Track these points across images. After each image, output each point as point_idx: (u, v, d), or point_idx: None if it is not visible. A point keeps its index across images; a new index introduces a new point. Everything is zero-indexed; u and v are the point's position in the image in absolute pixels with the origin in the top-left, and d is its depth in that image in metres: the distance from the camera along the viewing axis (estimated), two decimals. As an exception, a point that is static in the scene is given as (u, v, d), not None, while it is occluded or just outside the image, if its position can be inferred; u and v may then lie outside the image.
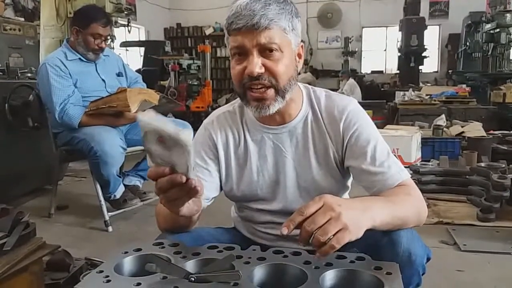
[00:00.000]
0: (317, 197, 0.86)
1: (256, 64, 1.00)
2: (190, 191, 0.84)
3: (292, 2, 1.07)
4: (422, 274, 1.00)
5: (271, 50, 1.01)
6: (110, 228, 2.62)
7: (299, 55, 1.10)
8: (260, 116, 1.08)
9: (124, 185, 2.83)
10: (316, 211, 0.83)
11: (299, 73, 1.15)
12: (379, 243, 0.98)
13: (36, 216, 2.76)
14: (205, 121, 1.24)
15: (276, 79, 1.03)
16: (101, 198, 2.65)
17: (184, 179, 0.82)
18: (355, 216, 0.84)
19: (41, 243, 1.49)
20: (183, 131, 0.81)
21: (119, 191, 2.74)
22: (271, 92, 1.04)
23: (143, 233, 2.57)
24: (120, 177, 2.76)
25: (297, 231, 1.15)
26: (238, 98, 1.23)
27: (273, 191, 1.17)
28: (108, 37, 2.79)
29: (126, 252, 0.91)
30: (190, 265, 0.86)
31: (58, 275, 1.65)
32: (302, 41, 1.11)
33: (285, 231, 0.82)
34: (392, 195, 1.02)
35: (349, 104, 1.15)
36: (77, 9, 3.23)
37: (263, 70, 1.01)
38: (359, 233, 0.84)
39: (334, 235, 0.80)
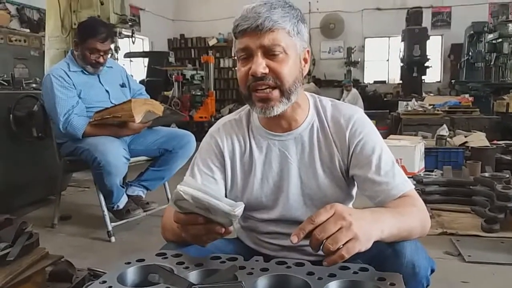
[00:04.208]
0: (328, 205, 0.86)
1: (260, 65, 1.02)
2: (225, 234, 0.90)
3: (298, 9, 1.09)
4: (427, 286, 0.99)
5: (275, 52, 1.02)
6: (113, 239, 2.62)
7: (305, 60, 1.11)
8: (265, 116, 1.08)
9: (127, 195, 2.82)
10: (327, 219, 0.83)
11: (308, 81, 1.16)
12: (382, 254, 0.97)
13: (40, 227, 2.76)
14: (211, 129, 1.25)
15: (281, 79, 1.04)
16: (104, 209, 2.64)
17: (223, 230, 0.88)
18: (366, 227, 0.84)
19: (44, 253, 1.49)
20: (238, 209, 0.85)
21: (122, 202, 2.74)
22: (276, 93, 1.05)
23: (146, 244, 2.57)
24: (123, 187, 2.76)
25: (303, 242, 1.16)
26: (244, 107, 1.24)
27: (275, 198, 1.17)
28: (109, 52, 2.81)
29: (129, 263, 0.91)
30: (193, 276, 0.86)
31: (61, 285, 1.65)
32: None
33: (295, 239, 0.82)
34: (399, 206, 1.02)
35: (355, 113, 1.16)
36: (81, 21, 3.26)
37: (267, 70, 1.03)
38: (368, 244, 0.84)
39: (344, 244, 0.80)
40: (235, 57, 1.09)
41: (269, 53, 1.03)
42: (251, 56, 1.03)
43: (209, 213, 0.86)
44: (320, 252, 0.84)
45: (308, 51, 1.12)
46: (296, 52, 1.07)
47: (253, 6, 1.02)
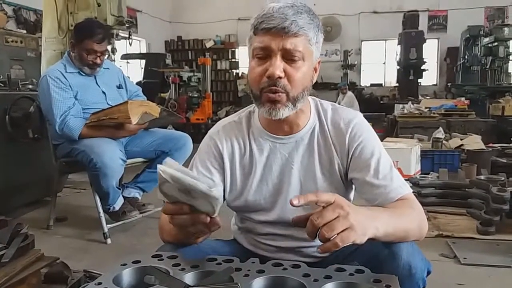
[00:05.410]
0: (330, 192, 0.87)
1: (278, 67, 1.01)
2: (212, 226, 0.90)
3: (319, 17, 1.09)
4: (423, 288, 1.00)
5: (294, 57, 1.02)
6: (109, 240, 2.61)
7: (315, 69, 1.12)
8: (271, 118, 1.08)
9: (123, 197, 2.82)
10: (326, 207, 0.84)
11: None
12: (379, 256, 0.98)
13: (35, 228, 2.74)
14: (210, 131, 1.25)
15: (292, 86, 1.04)
16: (100, 210, 2.64)
17: (208, 219, 0.88)
18: (362, 220, 0.85)
19: (39, 255, 1.49)
20: (215, 189, 0.85)
21: (118, 203, 2.73)
22: (283, 96, 1.05)
23: (142, 245, 2.56)
24: (119, 189, 2.75)
25: (295, 244, 1.16)
26: (243, 109, 1.25)
27: (274, 200, 1.17)
28: (105, 53, 2.80)
29: (124, 264, 0.91)
30: (189, 278, 0.86)
31: (56, 287, 1.64)
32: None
33: (295, 200, 0.84)
34: (396, 208, 1.03)
35: (355, 117, 1.17)
36: (78, 22, 3.26)
37: (283, 74, 1.03)
38: (364, 238, 0.85)
39: (339, 233, 0.81)
40: (246, 55, 1.09)
41: (287, 57, 1.02)
42: (269, 56, 1.03)
43: (191, 197, 0.86)
44: (316, 254, 0.84)
45: (319, 61, 1.12)
46: (311, 61, 1.07)
47: (279, 7, 1.02)
